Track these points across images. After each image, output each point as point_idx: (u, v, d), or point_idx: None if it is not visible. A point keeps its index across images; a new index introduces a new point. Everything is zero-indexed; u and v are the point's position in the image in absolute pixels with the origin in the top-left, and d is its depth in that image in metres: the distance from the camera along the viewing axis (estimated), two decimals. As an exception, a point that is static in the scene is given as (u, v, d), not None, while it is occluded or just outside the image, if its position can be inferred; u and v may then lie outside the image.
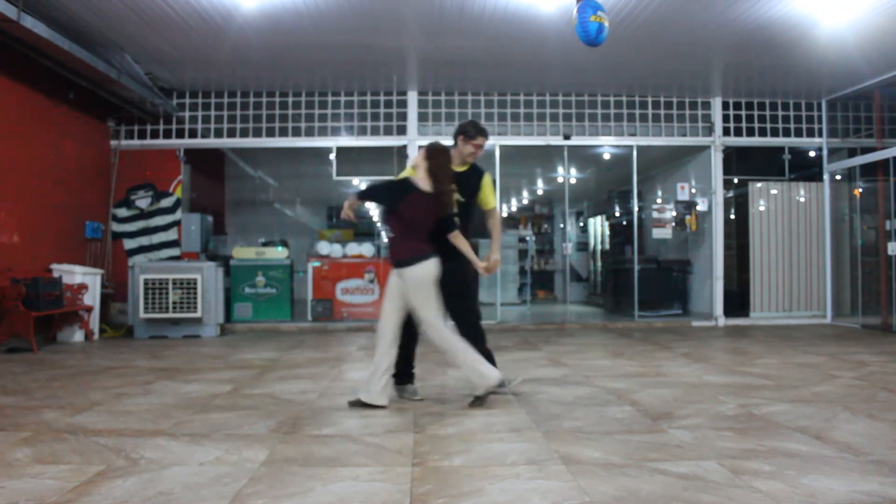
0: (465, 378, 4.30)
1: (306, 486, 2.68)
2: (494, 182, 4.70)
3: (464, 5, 6.51)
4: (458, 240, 4.26)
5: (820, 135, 9.85)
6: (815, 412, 3.93)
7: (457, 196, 4.37)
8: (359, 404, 4.11)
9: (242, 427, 3.65)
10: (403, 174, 4.54)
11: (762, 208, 10.00)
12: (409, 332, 4.33)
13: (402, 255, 4.11)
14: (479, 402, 4.12)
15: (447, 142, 4.52)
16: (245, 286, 9.42)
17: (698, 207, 10.10)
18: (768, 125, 9.80)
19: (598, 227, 14.43)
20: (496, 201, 4.65)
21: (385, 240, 14.43)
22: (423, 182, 4.14)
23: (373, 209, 16.47)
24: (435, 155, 4.19)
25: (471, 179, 4.47)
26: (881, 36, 7.07)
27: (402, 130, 9.51)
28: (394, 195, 4.17)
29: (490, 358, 4.36)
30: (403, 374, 4.47)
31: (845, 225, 9.87)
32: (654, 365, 5.87)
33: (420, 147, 4.50)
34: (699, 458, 3.02)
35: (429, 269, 4.05)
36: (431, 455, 3.11)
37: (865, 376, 5.17)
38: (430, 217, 4.14)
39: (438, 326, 4.09)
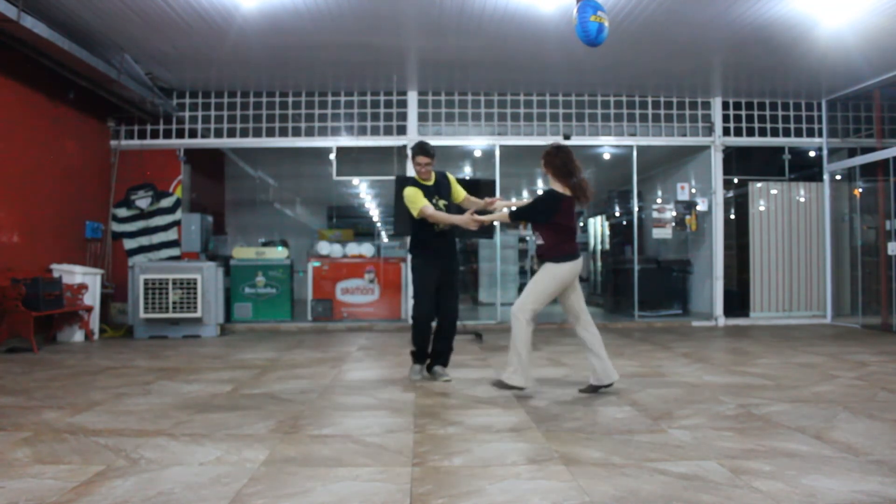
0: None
1: (306, 486, 2.68)
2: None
3: (464, 5, 6.51)
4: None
5: (820, 135, 9.85)
6: (815, 412, 3.93)
7: (443, 202, 4.93)
8: (591, 390, 4.54)
9: (242, 427, 3.65)
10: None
11: (762, 208, 9.99)
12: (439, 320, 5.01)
13: (561, 252, 4.43)
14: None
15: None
16: (245, 286, 9.42)
17: (698, 207, 10.10)
18: (768, 125, 9.80)
19: (598, 227, 14.41)
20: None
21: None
22: (560, 187, 4.45)
23: (373, 209, 16.52)
24: (551, 159, 4.46)
25: (441, 185, 5.04)
26: (881, 36, 7.07)
27: (402, 130, 9.50)
28: (548, 211, 4.45)
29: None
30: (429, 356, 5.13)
31: (845, 225, 9.86)
32: (654, 365, 5.87)
33: None
34: (699, 458, 3.02)
35: (577, 266, 4.47)
36: (431, 455, 3.11)
37: (865, 376, 5.17)
38: (575, 218, 4.54)
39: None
